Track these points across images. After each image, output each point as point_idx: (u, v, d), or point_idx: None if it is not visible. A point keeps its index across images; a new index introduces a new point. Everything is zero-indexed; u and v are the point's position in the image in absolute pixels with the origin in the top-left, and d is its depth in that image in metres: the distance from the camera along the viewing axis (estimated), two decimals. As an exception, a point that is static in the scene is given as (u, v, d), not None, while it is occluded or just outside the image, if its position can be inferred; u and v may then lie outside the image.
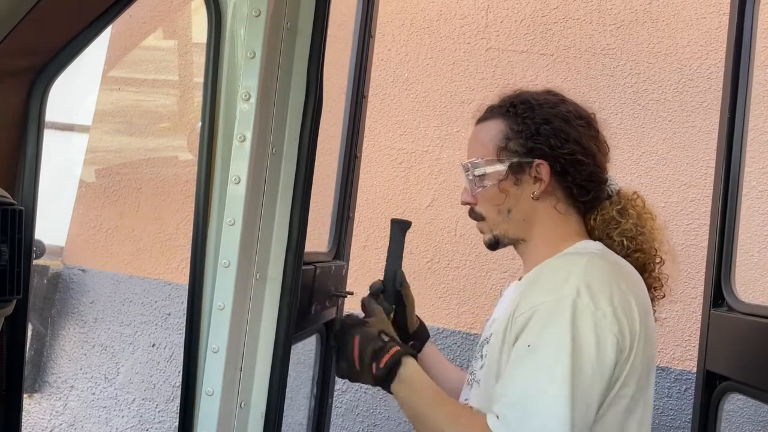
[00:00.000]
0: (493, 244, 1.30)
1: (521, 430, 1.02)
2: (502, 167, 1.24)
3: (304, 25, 1.14)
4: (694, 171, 2.50)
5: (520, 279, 1.30)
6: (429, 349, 1.51)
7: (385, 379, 1.19)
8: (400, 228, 1.41)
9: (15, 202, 0.92)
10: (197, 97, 3.01)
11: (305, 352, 2.20)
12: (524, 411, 1.03)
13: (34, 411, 2.93)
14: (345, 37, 1.84)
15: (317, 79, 1.13)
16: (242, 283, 1.11)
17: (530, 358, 1.06)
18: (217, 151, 1.10)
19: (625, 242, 1.24)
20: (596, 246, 1.22)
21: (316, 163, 1.16)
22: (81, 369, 2.92)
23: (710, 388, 1.43)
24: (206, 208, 1.10)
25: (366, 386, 2.64)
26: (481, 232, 1.32)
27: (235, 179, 1.09)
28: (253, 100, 1.08)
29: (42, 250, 1.16)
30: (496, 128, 1.26)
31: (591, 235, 1.28)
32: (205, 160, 1.10)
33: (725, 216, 1.50)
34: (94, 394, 2.90)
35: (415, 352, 1.41)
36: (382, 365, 1.19)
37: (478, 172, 1.26)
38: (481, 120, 1.32)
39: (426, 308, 2.53)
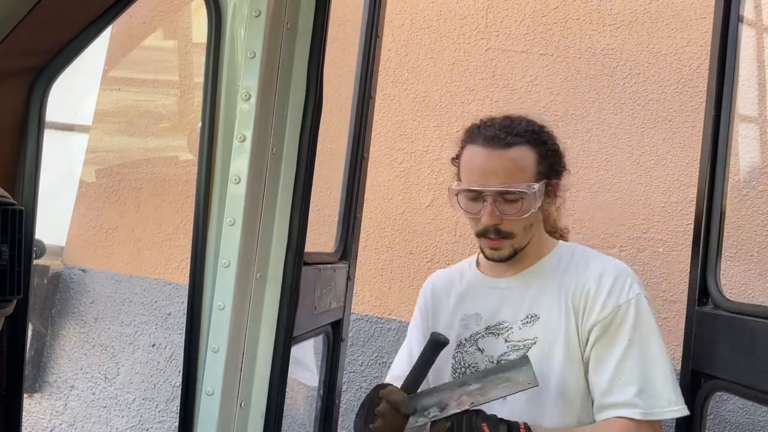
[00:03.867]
0: (512, 256, 1.38)
1: (652, 410, 1.24)
2: (542, 189, 1.34)
3: (304, 25, 1.14)
4: (694, 171, 2.48)
5: (511, 276, 1.42)
6: None
7: None
8: (434, 344, 1.29)
9: (15, 202, 0.92)
10: (197, 97, 3.01)
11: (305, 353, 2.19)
12: (652, 393, 1.25)
13: (34, 411, 2.93)
14: (351, 38, 1.84)
15: (317, 80, 1.13)
16: (242, 283, 1.11)
17: (636, 350, 1.28)
18: (217, 151, 1.10)
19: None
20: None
21: (322, 164, 1.16)
22: (81, 369, 2.92)
23: (695, 386, 1.42)
24: (206, 208, 1.10)
25: (366, 386, 2.64)
26: (498, 249, 1.36)
27: (235, 179, 1.09)
28: (253, 100, 1.08)
29: (42, 250, 1.16)
30: (529, 154, 1.34)
31: None
32: (205, 160, 1.10)
33: (710, 213, 1.48)
34: (94, 394, 2.91)
35: None
36: None
37: (537, 195, 1.32)
38: (507, 145, 1.32)
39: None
